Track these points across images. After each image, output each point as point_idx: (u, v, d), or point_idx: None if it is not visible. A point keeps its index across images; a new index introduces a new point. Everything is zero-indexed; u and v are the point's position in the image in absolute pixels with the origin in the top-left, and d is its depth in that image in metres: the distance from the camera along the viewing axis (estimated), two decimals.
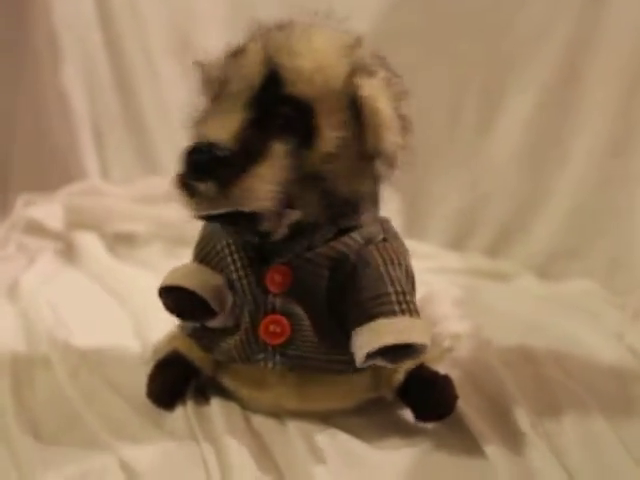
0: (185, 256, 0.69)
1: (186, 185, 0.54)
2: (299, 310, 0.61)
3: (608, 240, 1.14)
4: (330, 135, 0.57)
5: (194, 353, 0.68)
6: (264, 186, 0.54)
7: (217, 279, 0.64)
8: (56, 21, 1.33)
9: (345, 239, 0.61)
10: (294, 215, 0.58)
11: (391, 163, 0.59)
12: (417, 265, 0.66)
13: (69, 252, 1.18)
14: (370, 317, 0.59)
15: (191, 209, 0.56)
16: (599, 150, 1.15)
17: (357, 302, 0.60)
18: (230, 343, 0.64)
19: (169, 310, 0.64)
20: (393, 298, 0.59)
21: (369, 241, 0.62)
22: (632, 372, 0.81)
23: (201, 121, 0.57)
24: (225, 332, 0.65)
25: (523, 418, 0.66)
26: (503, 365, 0.77)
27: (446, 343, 0.80)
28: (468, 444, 0.64)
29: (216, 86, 0.59)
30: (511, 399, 0.70)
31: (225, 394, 0.68)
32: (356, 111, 0.57)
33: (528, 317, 0.97)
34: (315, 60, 0.57)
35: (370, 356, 0.58)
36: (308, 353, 0.62)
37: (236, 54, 0.59)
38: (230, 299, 0.64)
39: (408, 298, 0.60)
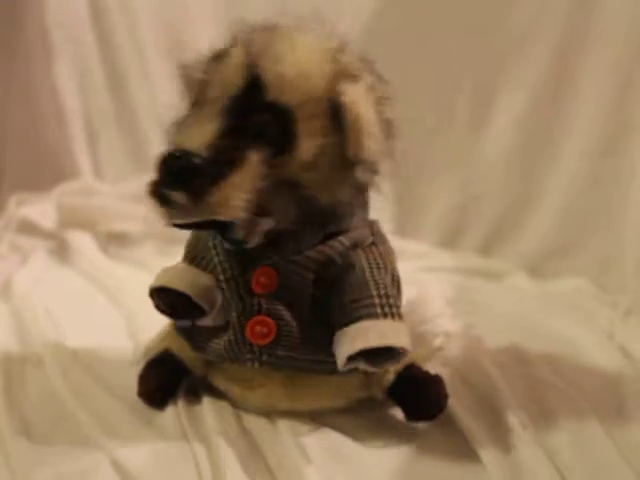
0: (177, 255, 0.69)
1: (159, 193, 0.53)
2: (285, 312, 0.62)
3: (600, 239, 1.14)
4: (309, 143, 0.57)
5: (185, 353, 0.68)
6: (238, 195, 0.54)
7: (207, 279, 0.64)
8: (48, 20, 1.33)
9: (332, 243, 0.62)
10: (268, 224, 0.57)
11: (373, 170, 0.59)
12: (409, 264, 0.66)
13: (62, 251, 1.17)
14: (353, 319, 0.59)
15: (164, 218, 0.55)
16: (590, 149, 1.16)
17: (340, 304, 0.60)
18: (219, 343, 0.64)
19: (160, 310, 0.65)
20: (376, 301, 0.59)
21: (356, 245, 0.63)
22: (623, 371, 0.81)
23: (179, 127, 0.57)
24: (215, 332, 0.65)
25: (514, 417, 0.66)
26: (494, 364, 0.77)
27: (437, 342, 0.81)
28: (459, 443, 0.64)
29: (196, 90, 0.59)
30: (502, 398, 0.70)
31: (216, 393, 0.68)
32: (338, 117, 0.57)
33: (520, 316, 0.97)
34: (298, 66, 0.56)
35: (352, 359, 0.58)
36: (295, 354, 0.63)
37: (218, 57, 0.59)
38: (220, 299, 0.64)
39: (392, 302, 0.60)
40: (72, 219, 1.23)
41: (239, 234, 0.58)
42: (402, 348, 0.58)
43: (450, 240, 1.28)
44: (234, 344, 0.63)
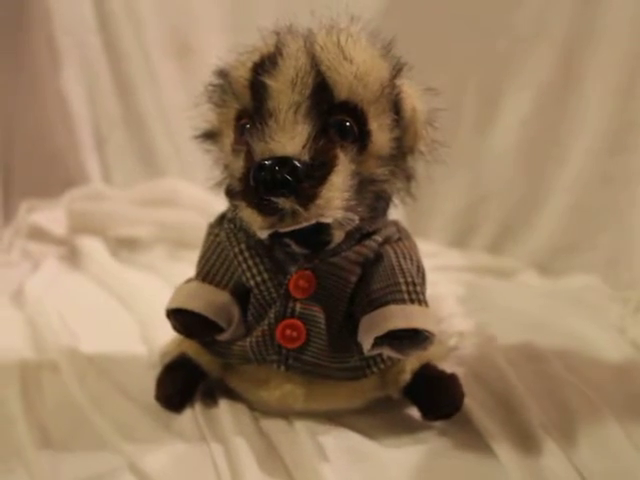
0: (188, 259, 0.69)
1: (264, 202, 0.53)
2: (318, 315, 0.62)
3: (609, 236, 1.14)
4: (383, 138, 0.58)
5: (202, 356, 0.69)
6: (340, 195, 0.55)
7: (222, 296, 0.64)
8: (55, 26, 1.33)
9: (368, 242, 0.62)
10: (354, 221, 0.58)
11: (427, 159, 0.62)
12: None
13: (73, 257, 1.18)
14: (380, 304, 0.59)
15: (268, 227, 0.55)
16: (598, 147, 1.16)
17: (368, 292, 0.61)
18: (244, 345, 0.64)
19: (177, 331, 0.65)
20: (403, 288, 0.60)
21: (386, 241, 0.63)
22: (635, 366, 0.81)
23: (255, 137, 0.55)
24: (236, 339, 0.66)
25: (530, 415, 0.66)
26: (508, 362, 0.77)
27: (451, 341, 0.81)
28: (476, 442, 0.64)
29: (248, 97, 0.58)
30: (517, 396, 0.70)
31: (233, 396, 0.69)
32: (396, 111, 0.59)
33: (531, 313, 0.98)
34: (362, 64, 0.57)
35: (377, 343, 0.58)
36: (321, 360, 0.63)
37: (269, 62, 0.57)
38: (237, 313, 0.64)
39: (418, 289, 0.60)
40: (82, 224, 1.23)
41: (332, 235, 0.58)
42: (429, 332, 0.58)
43: (460, 240, 1.28)
44: (262, 345, 0.63)
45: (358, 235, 0.62)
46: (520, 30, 1.21)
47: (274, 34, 0.60)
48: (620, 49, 1.12)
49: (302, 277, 0.61)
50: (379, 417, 0.68)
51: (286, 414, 0.66)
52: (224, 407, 0.67)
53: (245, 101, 0.59)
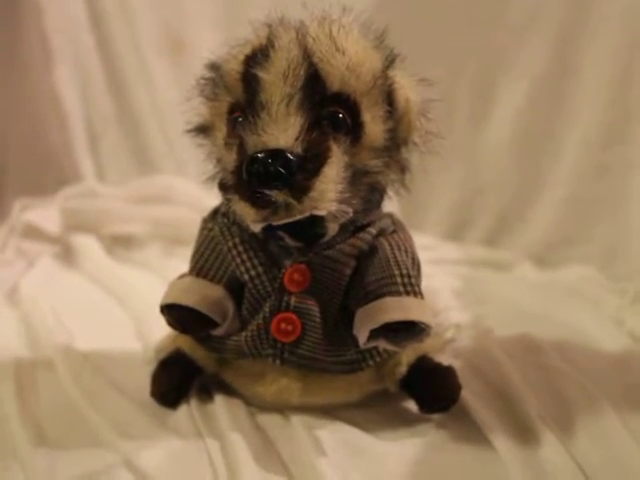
0: (183, 255, 0.69)
1: (257, 195, 0.53)
2: (313, 309, 0.62)
3: (605, 227, 1.14)
4: (376, 129, 0.58)
5: (197, 352, 0.68)
6: (334, 187, 0.54)
7: (216, 290, 0.64)
8: (47, 24, 1.33)
9: (362, 235, 0.62)
10: (348, 213, 0.57)
11: (422, 150, 0.61)
12: None
13: (67, 255, 1.18)
14: (375, 297, 0.59)
15: (262, 220, 0.55)
16: (593, 138, 1.16)
17: (363, 284, 0.61)
18: (239, 340, 0.64)
19: (171, 327, 0.65)
20: (399, 280, 0.59)
21: (380, 233, 0.63)
22: (633, 357, 0.81)
23: (247, 129, 0.55)
24: (230, 333, 0.65)
25: (527, 406, 0.66)
26: (505, 354, 0.77)
27: (447, 334, 0.81)
28: (473, 434, 0.64)
29: (240, 89, 0.58)
30: (515, 388, 0.70)
31: (228, 391, 0.68)
32: (390, 102, 0.59)
33: (528, 305, 0.98)
34: (355, 55, 0.57)
35: (373, 336, 0.58)
36: (316, 354, 0.63)
37: (261, 54, 0.57)
38: (231, 308, 0.64)
39: (413, 281, 0.60)
40: (76, 223, 1.23)
41: (330, 228, 0.58)
42: (425, 324, 0.58)
43: (456, 232, 1.28)
44: (257, 339, 0.63)
45: (352, 227, 0.62)
46: (514, 21, 1.21)
47: (266, 26, 0.59)
48: (614, 40, 1.12)
49: (297, 271, 0.61)
50: (376, 410, 0.68)
51: (282, 409, 0.66)
52: (220, 402, 0.67)
53: (237, 94, 0.59)
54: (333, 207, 0.55)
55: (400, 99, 0.59)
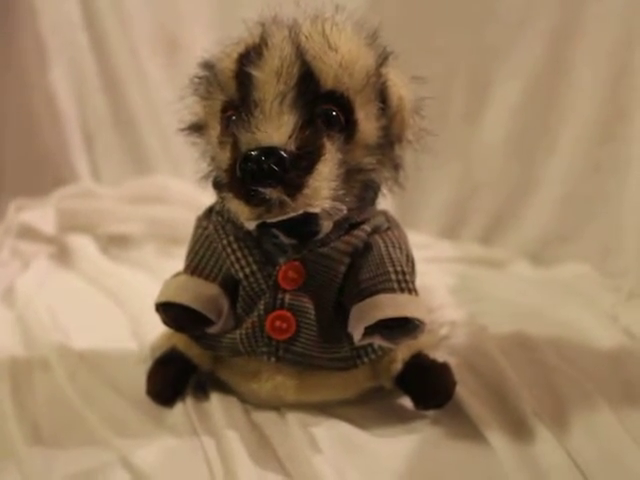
0: (179, 255, 0.69)
1: (251, 193, 0.53)
2: (308, 306, 0.62)
3: (599, 224, 1.14)
4: (370, 127, 0.58)
5: (192, 350, 0.68)
6: (328, 184, 0.54)
7: (211, 289, 0.64)
8: (42, 25, 1.32)
9: (357, 232, 0.62)
10: (342, 211, 0.58)
11: (415, 148, 0.61)
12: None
13: (63, 255, 1.17)
14: (370, 294, 0.59)
15: (256, 218, 0.55)
16: (587, 136, 1.16)
17: (357, 281, 0.61)
18: (234, 337, 0.64)
19: (167, 325, 0.65)
20: (393, 277, 0.60)
21: (375, 230, 0.63)
22: (628, 354, 0.81)
23: (240, 128, 0.55)
24: (226, 331, 0.65)
25: (523, 402, 0.67)
26: (500, 351, 0.77)
27: (443, 330, 0.81)
28: (468, 430, 0.64)
29: (233, 88, 0.58)
30: (510, 384, 0.70)
31: (224, 389, 0.69)
32: (383, 100, 0.59)
33: (523, 303, 0.98)
34: (348, 53, 0.57)
35: (368, 333, 0.58)
36: (311, 351, 0.63)
37: (254, 53, 0.57)
38: (226, 306, 0.64)
39: (408, 278, 0.60)
40: (72, 223, 1.23)
41: (323, 226, 0.58)
42: (419, 320, 0.58)
43: (451, 230, 1.28)
44: (251, 337, 0.63)
45: (347, 225, 0.62)
46: (508, 19, 1.21)
47: (259, 25, 0.59)
48: (609, 37, 1.12)
49: (291, 268, 0.61)
50: (371, 407, 0.68)
51: (278, 406, 0.66)
52: (215, 400, 0.67)
53: (231, 92, 0.59)
54: (327, 204, 0.55)
55: (393, 97, 0.60)
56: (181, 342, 0.69)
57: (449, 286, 1.01)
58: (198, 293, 0.63)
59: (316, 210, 0.55)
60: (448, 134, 1.26)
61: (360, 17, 0.61)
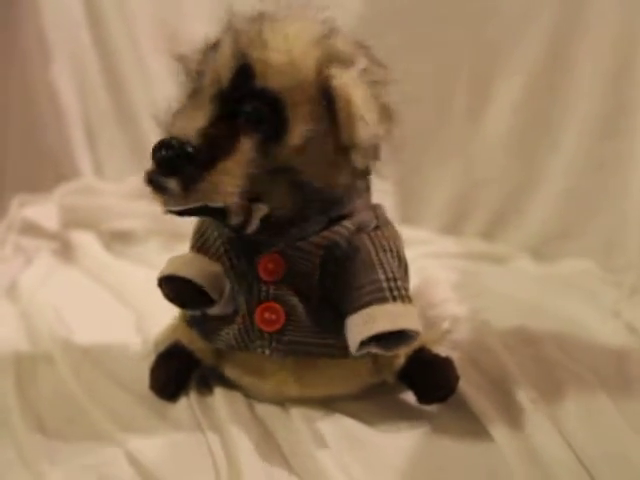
0: (181, 251, 0.69)
1: (154, 182, 0.54)
2: (293, 297, 0.62)
3: (602, 220, 1.14)
4: (300, 128, 0.57)
5: (195, 344, 0.69)
6: (229, 181, 0.55)
7: (215, 267, 0.64)
8: (45, 21, 1.32)
9: (337, 227, 0.62)
10: (262, 210, 0.58)
11: (369, 154, 0.58)
12: (414, 251, 0.66)
13: (66, 251, 1.18)
14: (363, 304, 0.59)
15: (162, 205, 0.56)
16: (589, 131, 1.16)
17: (349, 289, 0.61)
18: (229, 332, 0.64)
19: (168, 299, 0.65)
20: (384, 285, 0.59)
21: (361, 229, 0.63)
22: (630, 349, 0.81)
23: (173, 116, 0.57)
24: (224, 321, 0.65)
25: (525, 397, 0.67)
26: (502, 345, 0.77)
27: (445, 325, 0.81)
28: (471, 424, 0.64)
29: (194, 80, 0.60)
30: (512, 379, 0.70)
31: (227, 383, 0.69)
32: (330, 102, 0.57)
33: (526, 298, 0.98)
34: (286, 52, 0.56)
35: (364, 344, 0.58)
36: (304, 339, 0.63)
37: (212, 47, 0.59)
38: (228, 286, 0.64)
39: (399, 284, 0.60)
40: (75, 219, 1.23)
41: (234, 220, 0.58)
42: (413, 331, 0.58)
43: (453, 226, 1.28)
44: (244, 332, 0.63)
45: (325, 219, 0.61)
46: (509, 15, 1.21)
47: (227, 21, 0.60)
48: (610, 33, 1.12)
49: (270, 261, 0.62)
50: (374, 402, 0.68)
51: (281, 401, 0.66)
52: (219, 395, 0.67)
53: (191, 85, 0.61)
54: (229, 200, 0.55)
55: (339, 99, 0.57)
56: (184, 336, 0.69)
57: (451, 281, 1.01)
58: (202, 269, 0.64)
59: (218, 204, 0.55)
60: (450, 130, 1.26)
61: (328, 16, 0.60)
